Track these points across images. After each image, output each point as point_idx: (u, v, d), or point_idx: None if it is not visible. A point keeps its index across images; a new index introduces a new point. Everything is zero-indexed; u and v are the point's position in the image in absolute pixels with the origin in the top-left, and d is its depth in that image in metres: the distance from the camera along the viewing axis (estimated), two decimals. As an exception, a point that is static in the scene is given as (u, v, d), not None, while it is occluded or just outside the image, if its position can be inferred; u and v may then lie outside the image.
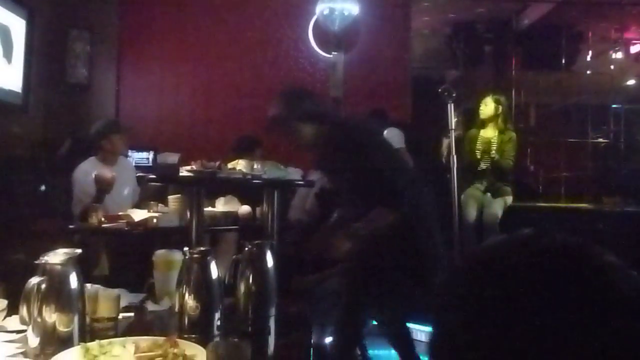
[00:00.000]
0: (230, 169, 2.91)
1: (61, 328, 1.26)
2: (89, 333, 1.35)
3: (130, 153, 4.22)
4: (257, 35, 5.32)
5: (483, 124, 4.41)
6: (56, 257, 1.28)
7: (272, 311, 1.44)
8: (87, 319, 1.38)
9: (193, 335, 1.31)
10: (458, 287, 0.54)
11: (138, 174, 3.70)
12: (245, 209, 3.34)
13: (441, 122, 3.96)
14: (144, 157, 4.72)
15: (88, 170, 3.43)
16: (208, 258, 1.40)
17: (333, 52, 5.29)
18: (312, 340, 1.94)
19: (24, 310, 1.25)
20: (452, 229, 3.76)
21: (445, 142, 3.94)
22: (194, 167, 2.85)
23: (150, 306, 1.70)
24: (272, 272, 1.47)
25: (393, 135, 4.25)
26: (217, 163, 2.88)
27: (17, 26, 3.97)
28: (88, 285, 1.43)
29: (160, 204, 3.36)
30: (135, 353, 1.20)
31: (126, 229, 3.02)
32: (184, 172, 2.84)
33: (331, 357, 2.45)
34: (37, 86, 4.26)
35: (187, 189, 2.96)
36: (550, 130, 7.15)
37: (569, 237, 0.53)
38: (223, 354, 1.11)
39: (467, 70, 6.64)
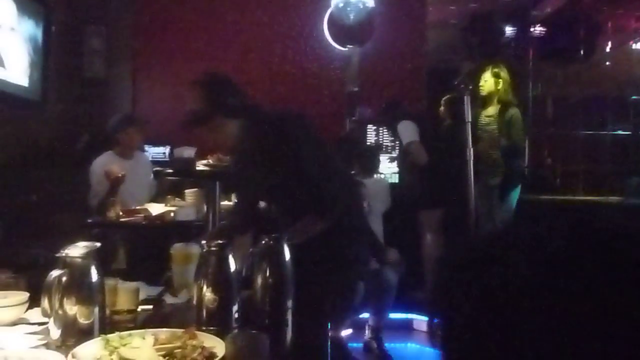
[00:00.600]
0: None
1: (82, 320, 1.28)
2: (109, 325, 1.37)
3: (146, 148, 4.25)
4: (272, 29, 5.32)
5: (484, 103, 4.14)
6: (76, 250, 1.30)
7: (289, 303, 1.45)
8: (107, 312, 1.40)
9: (211, 328, 1.33)
10: (467, 279, 0.52)
11: (155, 169, 3.73)
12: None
13: (457, 114, 3.94)
14: (160, 151, 4.75)
15: (105, 164, 3.47)
16: (225, 251, 1.41)
17: (348, 45, 5.26)
18: (328, 333, 1.94)
19: (45, 303, 1.27)
20: (468, 223, 3.75)
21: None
22: (210, 161, 2.87)
23: (169, 299, 1.71)
24: (288, 265, 1.48)
25: (407, 128, 4.23)
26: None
27: (34, 23, 4.01)
28: (107, 278, 1.45)
29: (177, 198, 3.39)
30: (154, 345, 1.21)
31: (144, 223, 3.05)
32: (200, 166, 2.86)
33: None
34: (54, 82, 4.30)
35: (204, 183, 2.98)
36: (569, 123, 7.06)
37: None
38: (242, 345, 1.12)
39: (483, 62, 6.57)
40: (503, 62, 4.29)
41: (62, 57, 4.51)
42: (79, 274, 1.28)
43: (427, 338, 3.77)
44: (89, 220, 3.25)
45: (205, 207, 2.85)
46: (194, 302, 1.40)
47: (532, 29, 6.42)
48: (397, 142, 4.61)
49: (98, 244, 1.34)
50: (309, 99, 5.28)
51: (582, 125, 6.86)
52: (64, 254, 1.29)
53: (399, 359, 3.45)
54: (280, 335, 1.42)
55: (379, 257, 3.19)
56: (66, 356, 1.14)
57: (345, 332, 3.38)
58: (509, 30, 6.27)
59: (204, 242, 1.44)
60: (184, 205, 3.18)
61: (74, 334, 1.26)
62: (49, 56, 4.17)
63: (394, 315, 3.62)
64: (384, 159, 4.99)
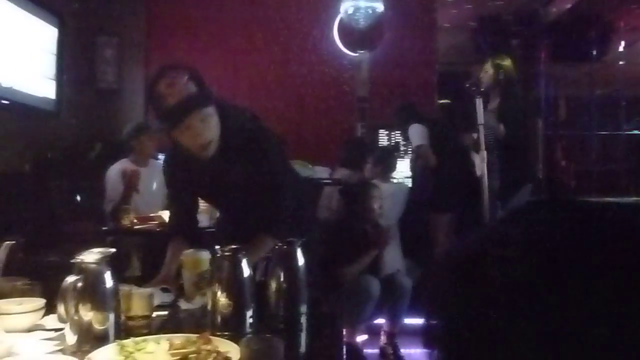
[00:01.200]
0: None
1: (97, 326, 1.28)
2: (123, 331, 1.37)
3: (160, 155, 4.27)
4: (282, 35, 5.34)
5: (487, 97, 3.85)
6: (91, 256, 1.31)
7: (304, 308, 1.44)
8: (122, 317, 1.41)
9: (226, 333, 1.32)
10: (460, 278, 0.51)
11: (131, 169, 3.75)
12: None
13: (469, 118, 3.90)
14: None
15: (120, 171, 3.50)
16: (239, 256, 1.41)
17: (358, 51, 5.27)
18: (344, 337, 1.93)
19: (61, 309, 1.28)
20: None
21: (473, 137, 3.86)
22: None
23: (183, 304, 1.72)
24: (303, 270, 1.47)
25: (416, 131, 4.22)
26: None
27: (48, 34, 4.06)
28: (122, 285, 1.46)
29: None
30: (169, 350, 1.21)
31: (158, 229, 3.07)
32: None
33: None
34: (68, 92, 4.35)
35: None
36: (582, 124, 7.00)
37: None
38: (256, 350, 1.11)
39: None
40: (507, 55, 4.13)
41: (75, 67, 4.56)
42: (94, 280, 1.29)
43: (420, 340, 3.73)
44: (104, 228, 3.27)
45: (218, 213, 2.85)
46: (208, 307, 1.40)
47: (543, 30, 6.38)
48: (409, 146, 4.61)
49: (113, 250, 1.34)
50: (319, 104, 5.29)
51: (596, 125, 6.80)
52: (79, 260, 1.29)
53: (415, 364, 3.43)
54: (294, 340, 1.41)
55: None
56: (82, 362, 1.15)
57: (361, 338, 3.37)
58: (520, 31, 6.24)
59: (217, 247, 1.44)
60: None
61: (89, 340, 1.26)
62: (63, 66, 4.22)
63: (409, 321, 3.60)
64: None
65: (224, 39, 5.39)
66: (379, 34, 5.27)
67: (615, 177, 6.49)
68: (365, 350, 3.36)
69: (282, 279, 1.45)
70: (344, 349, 1.70)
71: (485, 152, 3.42)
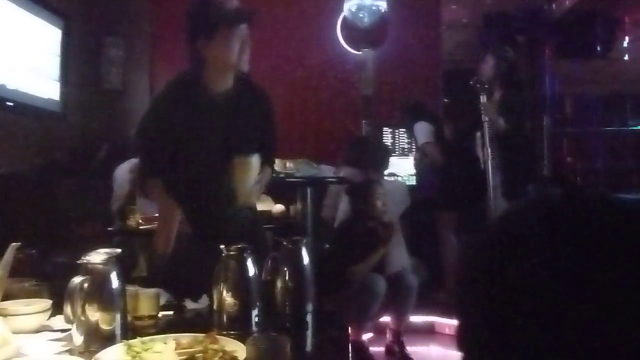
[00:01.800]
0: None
1: (104, 326, 1.29)
2: (130, 331, 1.38)
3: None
4: (285, 34, 5.34)
5: (488, 92, 3.73)
6: (98, 257, 1.31)
7: (310, 307, 1.45)
8: (129, 317, 1.41)
9: (232, 332, 1.33)
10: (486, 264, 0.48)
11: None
12: (279, 207, 3.37)
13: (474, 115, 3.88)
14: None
15: (128, 170, 3.52)
16: (245, 255, 1.41)
17: (362, 49, 5.26)
18: (349, 335, 1.94)
19: (68, 309, 1.29)
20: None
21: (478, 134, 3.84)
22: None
23: (189, 304, 1.72)
24: (308, 269, 1.48)
25: (422, 129, 4.21)
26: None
27: (53, 35, 4.08)
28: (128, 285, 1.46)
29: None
30: (176, 349, 1.21)
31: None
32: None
33: None
34: (74, 93, 4.37)
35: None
36: (588, 120, 6.97)
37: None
38: (263, 348, 1.12)
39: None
40: (509, 47, 4.06)
41: (81, 68, 4.57)
42: (101, 280, 1.30)
43: (450, 340, 3.73)
44: (110, 229, 3.28)
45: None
46: (215, 306, 1.41)
47: (548, 26, 6.35)
48: (414, 143, 4.60)
49: (119, 250, 1.35)
50: (323, 103, 5.29)
51: (602, 122, 6.77)
52: (85, 261, 1.30)
53: (421, 362, 3.42)
54: (301, 338, 1.42)
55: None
56: (89, 362, 1.15)
57: (367, 336, 3.37)
58: (525, 27, 6.21)
59: (222, 246, 1.44)
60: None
61: (96, 340, 1.27)
62: (68, 68, 4.23)
63: (415, 318, 3.60)
64: (400, 160, 4.98)
65: (228, 39, 5.39)
66: (383, 32, 5.26)
67: (622, 174, 6.46)
68: (371, 349, 3.36)
69: (287, 278, 1.46)
70: (350, 347, 1.70)
71: (489, 149, 3.41)
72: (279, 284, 1.45)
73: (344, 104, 5.29)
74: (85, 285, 1.28)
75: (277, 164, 2.95)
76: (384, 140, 5.05)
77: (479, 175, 3.71)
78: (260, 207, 3.29)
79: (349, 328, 2.22)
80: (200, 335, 1.27)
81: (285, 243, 1.49)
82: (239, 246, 1.43)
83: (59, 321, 1.47)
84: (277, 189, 3.27)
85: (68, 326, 1.34)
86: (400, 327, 3.37)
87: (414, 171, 4.82)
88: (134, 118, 5.01)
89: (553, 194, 0.50)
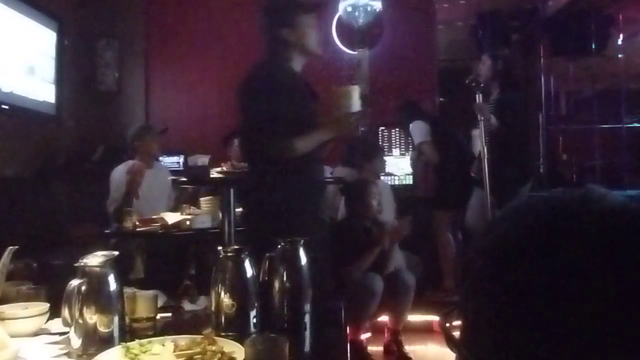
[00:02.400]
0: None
1: (102, 328, 1.29)
2: (128, 333, 1.38)
3: (161, 157, 4.29)
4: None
5: (486, 92, 3.70)
6: (95, 259, 1.31)
7: (308, 307, 1.45)
8: (127, 320, 1.41)
9: (230, 333, 1.33)
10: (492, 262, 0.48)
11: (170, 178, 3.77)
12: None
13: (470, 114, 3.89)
14: (174, 161, 4.79)
15: (124, 172, 3.52)
16: (242, 256, 1.41)
17: (357, 49, 5.27)
18: (348, 336, 1.94)
19: (65, 312, 1.29)
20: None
21: (475, 133, 3.85)
22: (224, 168, 2.88)
23: (187, 305, 1.72)
24: (306, 269, 1.48)
25: (418, 128, 4.22)
26: (247, 163, 2.90)
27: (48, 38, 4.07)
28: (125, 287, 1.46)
29: (192, 206, 3.41)
30: (174, 351, 1.21)
31: (160, 231, 3.07)
32: (214, 173, 2.87)
33: None
34: (69, 95, 4.36)
35: (218, 190, 3.00)
36: (583, 117, 6.99)
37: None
38: (261, 350, 1.12)
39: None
40: (504, 47, 4.08)
41: (75, 70, 4.56)
42: (98, 283, 1.29)
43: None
44: (107, 231, 3.27)
45: (220, 214, 2.86)
46: (212, 307, 1.41)
47: (542, 24, 6.37)
48: (410, 143, 4.61)
49: (116, 253, 1.35)
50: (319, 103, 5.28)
51: (597, 119, 6.79)
52: (82, 264, 1.30)
53: (420, 361, 3.43)
54: (299, 338, 1.42)
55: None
56: (88, 365, 1.15)
57: (365, 335, 3.37)
58: (519, 26, 6.23)
59: (220, 248, 1.44)
60: (199, 213, 3.20)
61: (94, 343, 1.27)
62: (63, 70, 4.22)
63: (413, 317, 3.60)
64: (396, 159, 4.99)
65: (223, 41, 5.39)
66: (378, 31, 5.27)
67: (617, 170, 6.48)
68: (369, 348, 3.36)
69: (285, 278, 1.45)
70: (348, 347, 1.70)
71: (485, 149, 3.41)
72: (276, 284, 1.45)
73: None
74: (83, 288, 1.28)
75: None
76: (379, 140, 5.06)
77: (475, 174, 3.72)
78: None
79: (347, 328, 2.22)
80: (199, 337, 1.27)
81: (282, 243, 1.49)
82: (237, 247, 1.43)
83: (56, 324, 1.46)
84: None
85: (66, 329, 1.34)
86: (398, 326, 3.38)
87: (410, 170, 4.83)
88: (129, 120, 5.01)
89: (549, 195, 0.50)
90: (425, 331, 3.75)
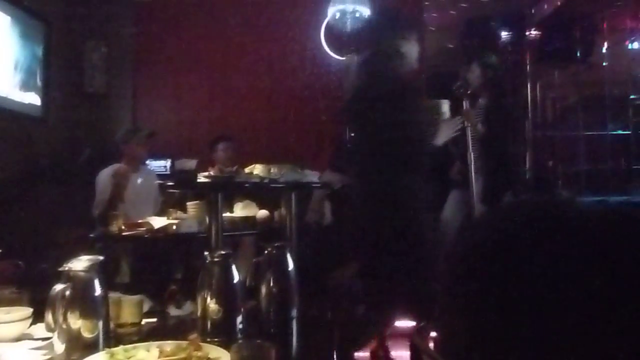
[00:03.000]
0: (247, 173, 2.93)
1: (86, 334, 1.27)
2: (113, 338, 1.37)
3: (147, 161, 4.26)
4: (270, 41, 5.34)
5: (473, 100, 3.71)
6: (80, 264, 1.30)
7: (294, 312, 1.45)
8: (111, 325, 1.40)
9: (216, 339, 1.32)
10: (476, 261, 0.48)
11: (157, 182, 3.75)
12: (263, 212, 3.36)
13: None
14: (161, 165, 4.76)
15: (110, 175, 3.49)
16: (229, 261, 1.41)
17: (346, 55, 5.28)
18: (334, 341, 1.93)
19: (49, 317, 1.27)
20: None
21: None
22: (211, 172, 2.87)
23: (173, 311, 1.71)
24: (292, 274, 1.48)
25: None
26: (235, 168, 2.90)
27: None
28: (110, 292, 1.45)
29: (179, 211, 3.39)
30: (159, 357, 1.21)
31: (146, 236, 3.05)
32: (201, 178, 2.86)
33: None
34: (56, 97, 4.32)
35: (206, 195, 2.98)
36: (568, 124, 7.07)
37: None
38: (247, 356, 1.11)
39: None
40: (493, 56, 4.10)
41: (63, 72, 4.53)
42: (83, 288, 1.28)
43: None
44: (92, 235, 3.25)
45: (207, 219, 2.84)
46: (198, 313, 1.40)
47: (528, 32, 6.44)
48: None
49: (101, 258, 1.34)
50: (307, 108, 5.30)
51: (582, 126, 6.87)
52: (67, 268, 1.29)
53: (406, 366, 3.43)
54: (285, 344, 1.42)
55: None
56: (71, 371, 1.14)
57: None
58: (505, 33, 6.29)
59: (207, 253, 1.44)
60: (186, 218, 3.18)
61: (78, 348, 1.26)
62: (50, 72, 4.19)
63: (399, 323, 3.60)
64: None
65: (212, 45, 5.38)
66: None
67: (602, 177, 6.55)
68: (355, 354, 3.36)
69: (272, 283, 1.45)
70: (335, 353, 1.70)
71: (472, 155, 3.43)
72: (263, 290, 1.45)
73: (327, 109, 5.31)
74: (67, 292, 1.27)
75: (261, 169, 2.95)
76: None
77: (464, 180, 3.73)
78: (244, 212, 3.29)
79: (334, 334, 2.22)
80: (184, 343, 1.26)
81: (269, 249, 1.49)
82: (223, 252, 1.43)
83: (39, 329, 1.45)
84: (261, 194, 3.26)
85: (49, 334, 1.33)
86: (385, 331, 3.38)
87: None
88: (117, 123, 4.98)
89: (530, 201, 0.51)
90: (411, 337, 3.75)
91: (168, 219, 3.21)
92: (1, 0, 3.57)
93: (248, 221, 3.20)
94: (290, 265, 1.49)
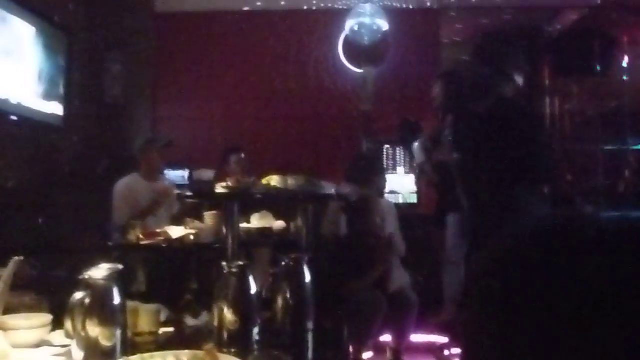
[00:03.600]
0: (264, 184, 2.93)
1: (104, 342, 1.28)
2: (130, 347, 1.37)
3: (165, 171, 4.30)
4: (288, 53, 5.38)
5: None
6: (99, 272, 1.31)
7: (310, 325, 1.44)
8: (129, 333, 1.41)
9: (232, 349, 1.32)
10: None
11: (168, 187, 3.78)
12: (279, 223, 3.36)
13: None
14: (179, 175, 4.80)
15: (130, 185, 3.53)
16: (246, 272, 1.41)
17: (364, 67, 5.30)
18: (350, 354, 1.92)
19: (68, 325, 1.28)
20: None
21: None
22: (229, 183, 2.88)
23: (190, 321, 1.72)
24: (309, 286, 1.48)
25: (419, 148, 4.22)
26: (252, 179, 2.90)
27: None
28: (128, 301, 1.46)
29: (196, 221, 3.41)
30: (176, 367, 1.21)
31: (164, 245, 3.07)
32: (219, 188, 2.87)
33: None
34: (76, 107, 4.39)
35: (223, 205, 2.99)
36: (587, 139, 6.99)
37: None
38: (264, 367, 1.11)
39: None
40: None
41: (83, 82, 4.60)
42: (102, 296, 1.29)
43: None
44: (110, 244, 3.27)
45: (224, 230, 2.85)
46: (215, 323, 1.40)
47: (547, 45, 6.41)
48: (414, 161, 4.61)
49: (120, 266, 1.35)
50: (325, 120, 5.32)
51: (602, 140, 6.79)
52: (86, 276, 1.30)
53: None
54: (301, 356, 1.41)
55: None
56: (89, 378, 1.15)
57: (367, 355, 3.35)
58: (523, 46, 6.26)
59: (224, 263, 1.44)
60: (203, 228, 3.19)
61: (96, 356, 1.27)
62: (71, 82, 4.26)
63: (415, 337, 3.58)
64: (401, 177, 4.99)
65: (230, 55, 5.43)
66: (384, 50, 5.31)
67: (622, 192, 6.46)
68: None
69: (288, 295, 1.45)
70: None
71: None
72: (279, 301, 1.45)
73: (345, 121, 5.32)
74: (87, 300, 1.28)
75: (278, 180, 2.95)
76: (383, 158, 5.07)
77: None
78: (260, 223, 3.29)
79: (349, 346, 2.21)
80: (200, 352, 1.26)
81: (286, 260, 1.49)
82: (241, 263, 1.43)
83: (59, 336, 1.46)
84: (278, 205, 3.26)
85: (68, 341, 1.34)
86: (401, 346, 3.36)
87: (415, 189, 4.83)
88: (136, 133, 5.03)
89: (552, 216, 0.51)
90: (427, 352, 3.73)
91: (185, 228, 3.23)
92: (27, 11, 3.64)
93: (264, 232, 3.20)
94: (307, 276, 1.49)
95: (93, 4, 4.68)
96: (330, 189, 3.86)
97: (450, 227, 3.87)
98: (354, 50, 5.29)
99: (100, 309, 1.29)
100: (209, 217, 3.24)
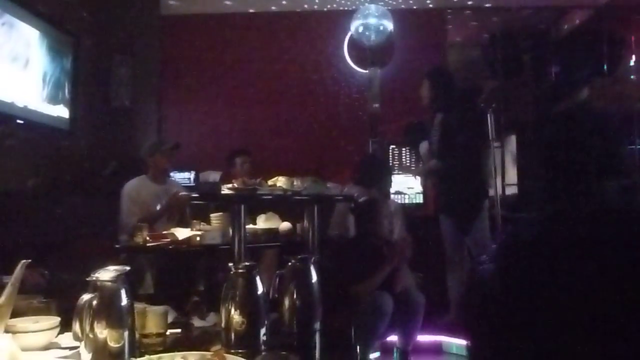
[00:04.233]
0: (270, 185, 2.93)
1: (112, 344, 1.29)
2: (138, 348, 1.38)
3: (172, 173, 4.31)
4: (293, 54, 5.39)
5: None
6: (106, 274, 1.31)
7: (317, 325, 1.44)
8: (137, 335, 1.41)
9: (240, 350, 1.32)
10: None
11: (182, 194, 3.78)
12: (286, 225, 3.36)
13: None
14: (185, 177, 4.81)
15: (137, 187, 3.54)
16: (253, 273, 1.41)
17: (369, 68, 5.30)
18: (357, 354, 1.92)
19: (76, 327, 1.29)
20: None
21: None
22: (235, 184, 2.88)
23: (197, 322, 1.72)
24: (316, 287, 1.48)
25: (425, 149, 4.22)
26: (258, 180, 2.91)
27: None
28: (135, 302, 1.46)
29: (202, 222, 3.41)
30: (184, 368, 1.21)
31: (170, 247, 3.07)
32: (225, 190, 2.88)
33: None
34: (83, 110, 4.40)
35: (229, 207, 3.00)
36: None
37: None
38: (271, 368, 1.11)
39: (505, 81, 6.53)
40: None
41: (90, 86, 4.62)
42: (109, 298, 1.30)
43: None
44: (117, 246, 3.28)
45: (230, 231, 2.85)
46: (222, 324, 1.40)
47: (554, 45, 6.38)
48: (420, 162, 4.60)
49: (127, 268, 1.35)
50: (331, 121, 5.32)
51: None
52: (94, 278, 1.30)
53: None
54: (308, 356, 1.41)
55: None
56: (97, 380, 1.15)
57: (374, 355, 3.34)
58: (531, 46, 6.24)
59: (231, 264, 1.45)
60: (209, 229, 3.20)
61: (104, 358, 1.27)
62: (78, 85, 4.27)
63: (422, 338, 3.57)
64: (406, 178, 4.98)
65: (237, 58, 5.44)
66: (390, 50, 5.30)
67: (632, 192, 6.41)
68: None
69: (295, 296, 1.45)
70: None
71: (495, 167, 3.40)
72: (286, 302, 1.45)
73: (351, 122, 5.32)
74: (94, 302, 1.28)
75: (285, 182, 2.95)
76: (389, 158, 5.06)
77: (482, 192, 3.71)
78: (266, 224, 3.29)
79: (357, 347, 2.20)
80: (208, 353, 1.26)
81: (292, 261, 1.49)
82: (247, 264, 1.43)
83: (67, 338, 1.47)
84: (284, 206, 3.26)
85: (76, 344, 1.34)
86: (407, 346, 3.34)
87: (420, 189, 4.82)
88: (142, 136, 5.05)
89: (552, 217, 0.51)
90: (434, 352, 3.71)
91: (192, 230, 3.23)
92: (31, 14, 3.66)
93: (271, 233, 3.20)
94: (314, 277, 1.48)
95: (99, 8, 4.70)
96: (337, 190, 3.87)
97: (450, 227, 3.87)
98: (360, 51, 5.29)
99: (108, 310, 1.29)
100: (215, 218, 3.24)
